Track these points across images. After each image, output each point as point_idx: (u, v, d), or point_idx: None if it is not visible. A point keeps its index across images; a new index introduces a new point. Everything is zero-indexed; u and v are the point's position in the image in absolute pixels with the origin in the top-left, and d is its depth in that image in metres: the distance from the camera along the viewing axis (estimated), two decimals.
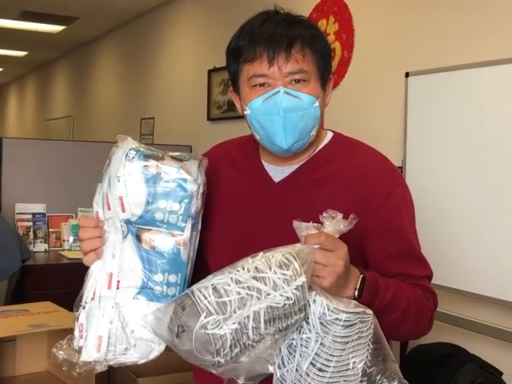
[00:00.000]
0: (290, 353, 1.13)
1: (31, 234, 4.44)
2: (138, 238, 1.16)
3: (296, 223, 1.13)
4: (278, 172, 1.37)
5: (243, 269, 1.08)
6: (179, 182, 1.15)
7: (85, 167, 4.60)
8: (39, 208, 4.51)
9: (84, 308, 1.19)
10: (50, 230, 4.51)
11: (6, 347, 2.57)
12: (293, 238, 1.18)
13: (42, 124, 10.76)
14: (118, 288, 1.17)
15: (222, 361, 1.05)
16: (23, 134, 10.82)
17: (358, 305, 1.14)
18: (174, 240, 1.16)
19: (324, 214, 1.14)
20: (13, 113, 13.62)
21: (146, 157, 1.14)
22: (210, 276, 1.10)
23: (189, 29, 5.76)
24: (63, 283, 3.92)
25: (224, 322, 1.03)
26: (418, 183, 2.87)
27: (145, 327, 1.15)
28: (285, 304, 1.06)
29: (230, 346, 1.04)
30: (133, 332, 1.17)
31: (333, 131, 1.42)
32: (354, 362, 1.12)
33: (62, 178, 4.61)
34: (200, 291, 1.06)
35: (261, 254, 1.10)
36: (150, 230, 1.15)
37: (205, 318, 1.03)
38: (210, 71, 5.19)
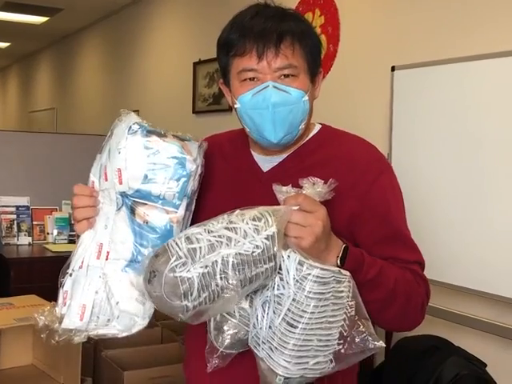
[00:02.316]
0: (264, 310, 1.13)
1: (15, 227, 4.41)
2: (132, 212, 1.16)
3: (276, 186, 1.14)
4: (266, 161, 1.38)
5: (217, 222, 1.10)
6: (179, 160, 1.15)
7: (68, 160, 4.58)
8: (23, 201, 4.48)
9: (70, 275, 1.19)
10: (34, 222, 4.49)
11: None
12: None
13: (25, 116, 10.67)
14: (107, 259, 1.17)
15: (190, 305, 1.06)
16: (6, 127, 10.73)
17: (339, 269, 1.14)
18: (169, 217, 1.17)
19: (304, 180, 1.15)
20: None
21: (149, 132, 1.15)
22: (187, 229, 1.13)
23: (174, 21, 5.74)
24: (47, 276, 3.88)
25: (192, 266, 1.05)
26: (403, 177, 2.87)
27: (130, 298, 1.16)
28: (253, 251, 1.07)
29: (198, 290, 1.05)
30: (117, 304, 1.17)
31: (321, 124, 1.43)
32: (328, 322, 1.11)
33: (46, 171, 4.59)
34: (174, 241, 1.09)
35: (237, 211, 1.11)
36: (145, 204, 1.16)
37: (174, 261, 1.06)
38: (195, 64, 5.17)
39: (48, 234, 4.50)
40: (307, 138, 1.38)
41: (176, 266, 1.05)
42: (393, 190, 1.37)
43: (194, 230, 1.09)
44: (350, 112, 3.53)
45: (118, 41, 6.94)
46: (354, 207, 1.30)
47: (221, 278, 1.06)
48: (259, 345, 1.14)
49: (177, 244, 1.07)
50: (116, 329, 1.19)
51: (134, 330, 1.19)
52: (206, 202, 1.39)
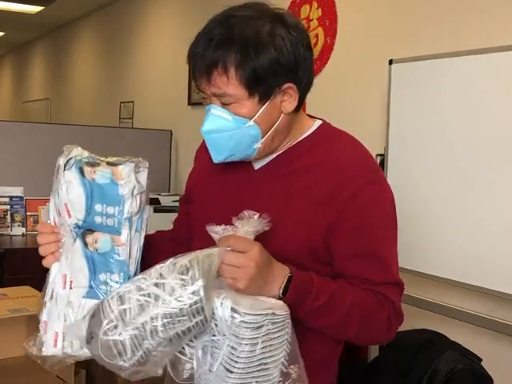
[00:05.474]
0: (204, 353, 1.17)
1: (8, 217, 4.39)
2: (84, 241, 1.25)
3: (209, 227, 1.16)
4: (257, 161, 1.35)
5: (150, 275, 1.14)
6: (111, 187, 1.22)
7: (63, 151, 4.55)
8: (17, 191, 4.46)
9: (45, 306, 1.29)
10: (28, 213, 4.46)
11: None
12: (284, 228, 1.21)
13: (19, 106, 10.62)
14: (71, 288, 1.27)
15: (126, 365, 1.12)
16: None
17: (282, 305, 1.16)
18: (113, 241, 1.24)
19: (240, 215, 1.16)
20: None
21: (83, 164, 1.24)
22: (123, 284, 1.20)
23: (170, 12, 5.71)
24: (41, 267, 3.88)
25: (123, 329, 1.11)
26: (399, 171, 2.88)
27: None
28: (181, 308, 1.09)
29: (132, 351, 1.11)
30: None
31: (323, 120, 1.39)
32: (265, 363, 1.14)
33: (40, 161, 4.55)
34: (108, 300, 1.15)
35: (170, 259, 1.14)
36: (93, 232, 1.25)
37: (106, 325, 1.12)
38: None
39: None
40: (302, 137, 1.35)
41: (108, 329, 1.12)
42: (378, 204, 1.29)
43: (127, 288, 1.14)
44: (346, 105, 3.52)
45: (114, 31, 6.91)
46: (332, 216, 1.26)
47: (152, 337, 1.10)
48: None
49: (109, 305, 1.13)
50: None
51: None
52: (201, 198, 1.42)
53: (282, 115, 1.28)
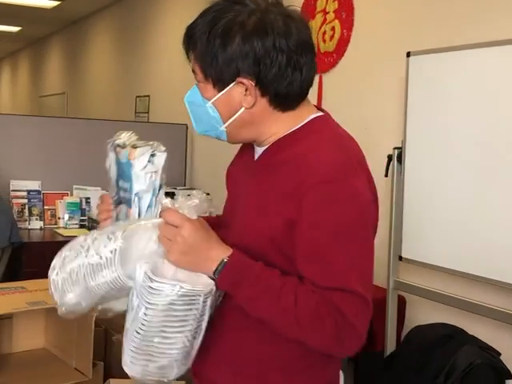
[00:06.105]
0: (128, 311, 1.27)
1: (26, 211, 4.41)
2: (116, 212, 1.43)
3: (162, 201, 1.26)
4: (257, 151, 1.38)
5: (98, 231, 1.31)
6: (127, 165, 1.36)
7: (80, 144, 4.57)
8: (34, 185, 4.47)
9: None
10: (45, 207, 4.48)
11: (3, 324, 2.58)
12: (250, 218, 1.26)
13: (36, 101, 10.69)
14: None
15: (60, 304, 1.30)
16: (16, 111, 10.74)
17: (208, 284, 1.21)
18: (127, 214, 1.38)
19: (191, 193, 1.25)
20: (5, 89, 13.52)
21: (116, 146, 1.40)
22: None
23: (185, 5, 5.70)
24: None
25: (60, 270, 1.30)
26: (417, 164, 2.86)
27: None
28: (99, 263, 1.25)
29: (64, 292, 1.29)
30: None
31: (325, 113, 1.36)
32: (165, 332, 1.19)
33: (57, 155, 4.58)
34: (65, 247, 1.32)
35: (121, 223, 1.31)
36: (120, 204, 1.41)
37: (53, 265, 1.32)
38: None
39: (59, 218, 4.50)
40: (290, 131, 1.31)
41: (52, 268, 1.32)
42: (333, 203, 1.19)
43: (80, 239, 1.32)
44: (363, 99, 3.49)
45: (130, 25, 6.91)
46: (292, 213, 1.21)
47: (78, 284, 1.27)
48: (124, 342, 1.27)
49: (63, 251, 1.32)
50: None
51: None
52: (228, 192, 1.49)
53: (243, 109, 1.28)
